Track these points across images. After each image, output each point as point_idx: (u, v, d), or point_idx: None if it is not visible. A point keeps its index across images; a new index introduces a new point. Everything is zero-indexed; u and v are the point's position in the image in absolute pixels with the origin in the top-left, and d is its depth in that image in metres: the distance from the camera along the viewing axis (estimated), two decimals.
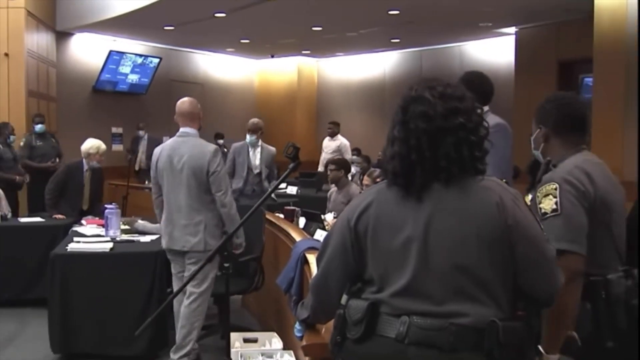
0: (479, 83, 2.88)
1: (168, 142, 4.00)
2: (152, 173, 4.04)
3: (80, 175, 5.87)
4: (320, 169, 9.39)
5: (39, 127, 7.76)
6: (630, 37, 6.46)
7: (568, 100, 2.22)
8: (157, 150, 4.04)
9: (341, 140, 9.60)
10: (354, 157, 9.58)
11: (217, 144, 10.98)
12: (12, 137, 7.42)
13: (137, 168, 10.18)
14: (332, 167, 5.69)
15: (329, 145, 9.55)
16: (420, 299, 1.56)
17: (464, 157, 1.59)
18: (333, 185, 5.73)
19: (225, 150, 11.14)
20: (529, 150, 2.37)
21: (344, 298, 1.69)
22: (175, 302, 3.97)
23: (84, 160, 5.86)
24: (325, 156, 9.43)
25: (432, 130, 1.58)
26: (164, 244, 3.97)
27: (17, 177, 7.22)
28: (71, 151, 8.69)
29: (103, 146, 5.91)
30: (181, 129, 3.98)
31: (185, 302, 3.90)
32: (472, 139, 1.61)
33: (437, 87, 1.63)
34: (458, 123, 1.59)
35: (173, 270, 4.02)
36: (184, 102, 4.03)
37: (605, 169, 2.15)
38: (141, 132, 10.50)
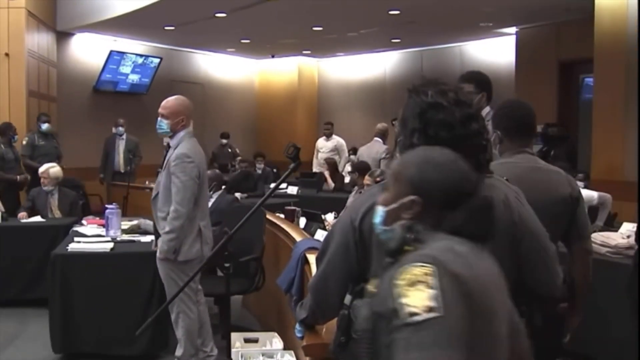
0: (485, 82, 2.85)
1: (197, 143, 3.81)
2: (196, 179, 3.68)
3: (44, 200, 5.99)
4: (316, 169, 9.40)
5: (45, 127, 7.77)
6: (631, 37, 6.46)
7: (514, 108, 2.37)
8: (196, 151, 3.76)
9: (337, 139, 9.62)
10: (352, 156, 9.60)
11: (222, 144, 11.00)
12: (15, 137, 7.45)
13: (122, 170, 8.82)
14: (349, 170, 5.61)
15: (326, 145, 9.57)
16: None
17: (480, 161, 1.61)
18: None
19: (230, 150, 11.14)
20: None
21: (348, 298, 1.68)
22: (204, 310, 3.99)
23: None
24: (322, 156, 9.44)
25: (453, 139, 1.58)
26: (206, 250, 3.72)
27: (19, 177, 7.24)
28: (71, 151, 8.71)
29: (53, 169, 6.00)
30: (191, 128, 3.81)
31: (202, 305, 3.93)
32: (484, 143, 1.64)
33: (448, 92, 1.63)
34: (475, 130, 1.61)
35: (192, 284, 3.71)
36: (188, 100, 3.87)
37: (528, 174, 2.13)
38: (120, 129, 9.01)
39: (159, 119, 3.74)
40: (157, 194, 3.78)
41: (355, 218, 1.67)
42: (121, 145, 9.00)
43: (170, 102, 3.77)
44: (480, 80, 2.75)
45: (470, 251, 1.34)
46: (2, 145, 7.22)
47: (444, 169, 1.41)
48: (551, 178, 2.24)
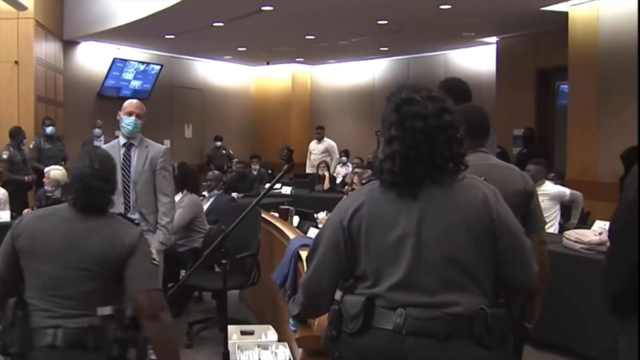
0: (464, 90, 2.85)
1: None
2: None
3: (43, 202, 5.92)
4: (309, 170, 9.41)
5: (49, 130, 7.70)
6: (601, 47, 6.53)
7: (466, 111, 2.27)
8: None
9: (328, 142, 9.64)
10: (342, 157, 9.61)
11: (216, 146, 10.98)
12: (24, 141, 7.44)
13: None
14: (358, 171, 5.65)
15: (317, 148, 9.59)
16: (415, 291, 1.58)
17: (454, 153, 1.63)
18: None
19: (224, 152, 11.12)
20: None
21: (339, 294, 1.68)
22: None
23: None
24: (314, 157, 9.45)
25: (427, 129, 1.61)
26: None
27: (26, 178, 7.21)
28: (77, 154, 8.64)
29: (54, 171, 5.83)
30: None
31: None
32: (458, 136, 1.65)
33: (421, 90, 1.66)
34: (448, 121, 1.63)
35: None
36: None
37: (485, 171, 2.05)
38: (98, 131, 8.28)
39: (134, 119, 3.84)
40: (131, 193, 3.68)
41: (344, 218, 1.68)
42: None
43: (140, 103, 3.93)
44: (448, 86, 2.71)
45: (53, 213, 2.14)
46: (12, 148, 7.19)
47: (78, 158, 2.20)
48: (505, 174, 2.28)
